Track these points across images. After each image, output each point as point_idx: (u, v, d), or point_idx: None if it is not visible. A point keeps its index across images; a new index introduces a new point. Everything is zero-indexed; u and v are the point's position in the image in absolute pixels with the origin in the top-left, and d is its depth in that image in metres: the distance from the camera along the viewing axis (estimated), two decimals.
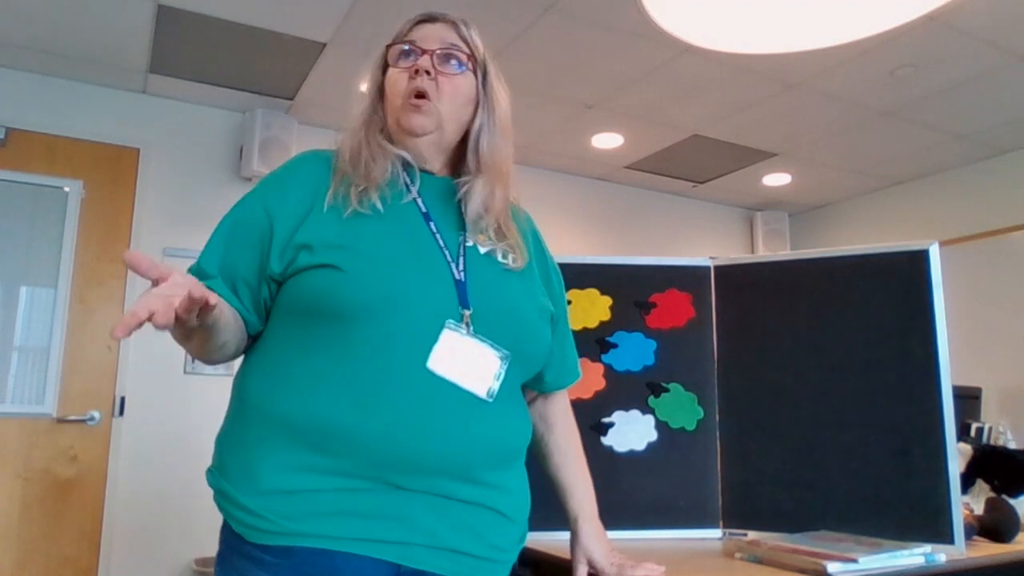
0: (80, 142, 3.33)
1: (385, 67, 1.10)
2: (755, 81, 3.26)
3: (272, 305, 1.02)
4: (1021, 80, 3.20)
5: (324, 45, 3.01)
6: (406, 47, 1.07)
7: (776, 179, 4.56)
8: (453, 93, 1.06)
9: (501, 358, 0.99)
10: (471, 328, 0.97)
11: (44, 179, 3.24)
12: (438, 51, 1.06)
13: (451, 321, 0.96)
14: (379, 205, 1.01)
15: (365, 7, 2.71)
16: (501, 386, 0.99)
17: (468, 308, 0.98)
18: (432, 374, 0.94)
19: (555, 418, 1.23)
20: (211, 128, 3.63)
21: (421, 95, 1.03)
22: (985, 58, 3.01)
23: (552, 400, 1.23)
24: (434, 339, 0.94)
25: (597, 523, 1.20)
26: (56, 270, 3.21)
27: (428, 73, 1.04)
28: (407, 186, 1.06)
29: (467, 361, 0.96)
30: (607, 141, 4.02)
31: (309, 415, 0.92)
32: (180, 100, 3.55)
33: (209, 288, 0.97)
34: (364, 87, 1.13)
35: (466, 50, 1.08)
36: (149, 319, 0.73)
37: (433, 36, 1.07)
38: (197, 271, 1.01)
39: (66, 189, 3.28)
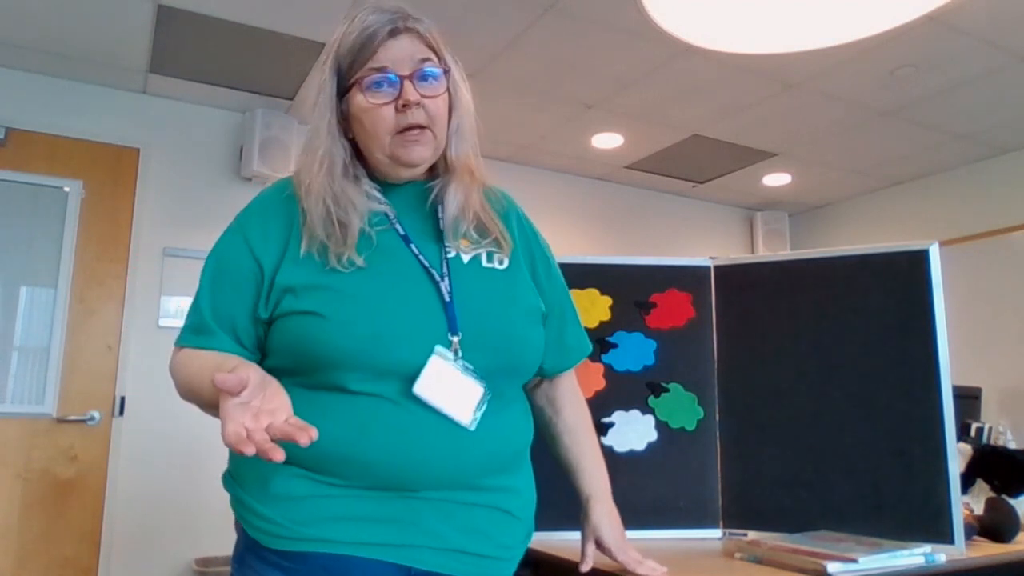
0: (80, 142, 3.33)
1: (343, 89, 1.01)
2: (755, 81, 3.25)
3: (265, 342, 1.00)
4: (1021, 80, 3.20)
5: (324, 45, 3.00)
6: (379, 77, 0.98)
7: (776, 179, 4.56)
8: (440, 114, 1.01)
9: (483, 390, 0.96)
10: (459, 354, 0.95)
11: (44, 179, 3.24)
12: (415, 73, 0.98)
13: (439, 347, 0.94)
14: (359, 262, 0.96)
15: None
16: (497, 394, 0.98)
17: (457, 334, 0.96)
18: (420, 399, 0.92)
19: (562, 400, 1.20)
20: (211, 128, 3.63)
21: (417, 127, 0.98)
22: (985, 58, 3.01)
23: (557, 382, 1.20)
24: (423, 365, 0.93)
25: (610, 504, 1.18)
26: (56, 270, 3.21)
27: (417, 104, 0.97)
28: (385, 215, 1.02)
29: (452, 388, 0.94)
30: (607, 141, 4.02)
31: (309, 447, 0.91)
32: (180, 100, 3.55)
33: (216, 348, 0.97)
34: (317, 110, 1.03)
35: (436, 60, 1.01)
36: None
37: (403, 55, 0.98)
38: (199, 325, 0.99)
39: (66, 189, 3.28)
